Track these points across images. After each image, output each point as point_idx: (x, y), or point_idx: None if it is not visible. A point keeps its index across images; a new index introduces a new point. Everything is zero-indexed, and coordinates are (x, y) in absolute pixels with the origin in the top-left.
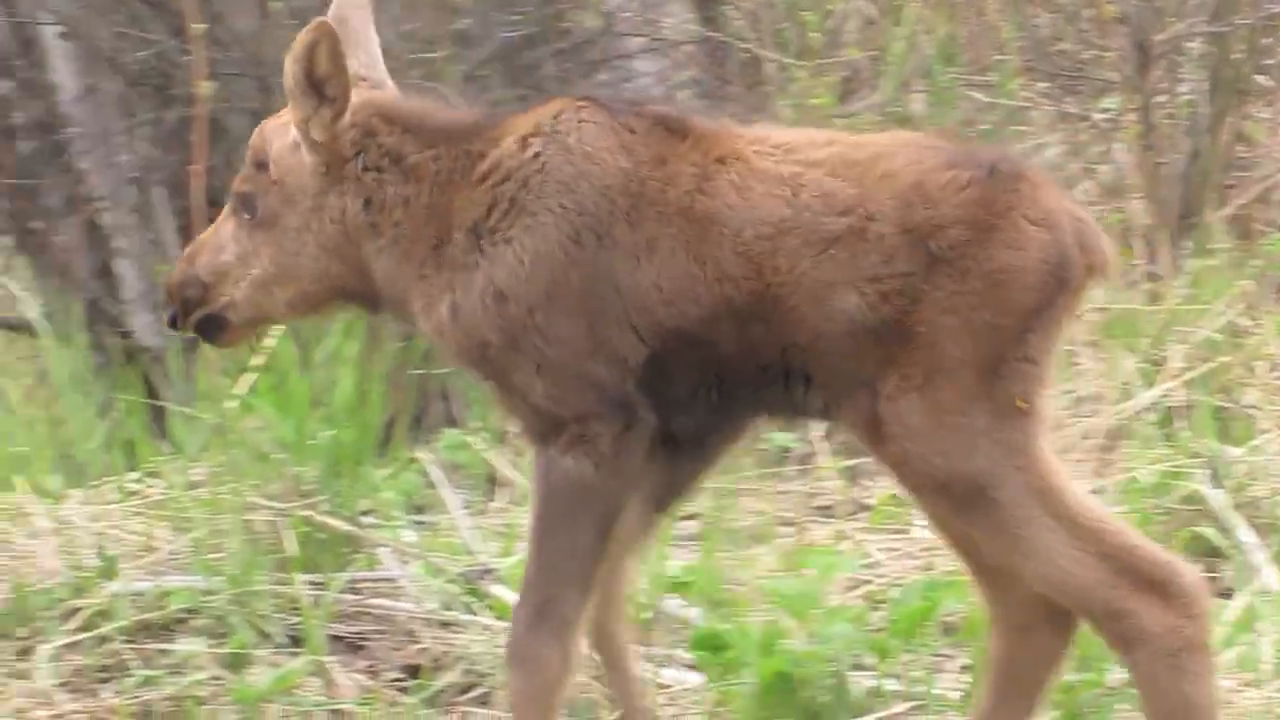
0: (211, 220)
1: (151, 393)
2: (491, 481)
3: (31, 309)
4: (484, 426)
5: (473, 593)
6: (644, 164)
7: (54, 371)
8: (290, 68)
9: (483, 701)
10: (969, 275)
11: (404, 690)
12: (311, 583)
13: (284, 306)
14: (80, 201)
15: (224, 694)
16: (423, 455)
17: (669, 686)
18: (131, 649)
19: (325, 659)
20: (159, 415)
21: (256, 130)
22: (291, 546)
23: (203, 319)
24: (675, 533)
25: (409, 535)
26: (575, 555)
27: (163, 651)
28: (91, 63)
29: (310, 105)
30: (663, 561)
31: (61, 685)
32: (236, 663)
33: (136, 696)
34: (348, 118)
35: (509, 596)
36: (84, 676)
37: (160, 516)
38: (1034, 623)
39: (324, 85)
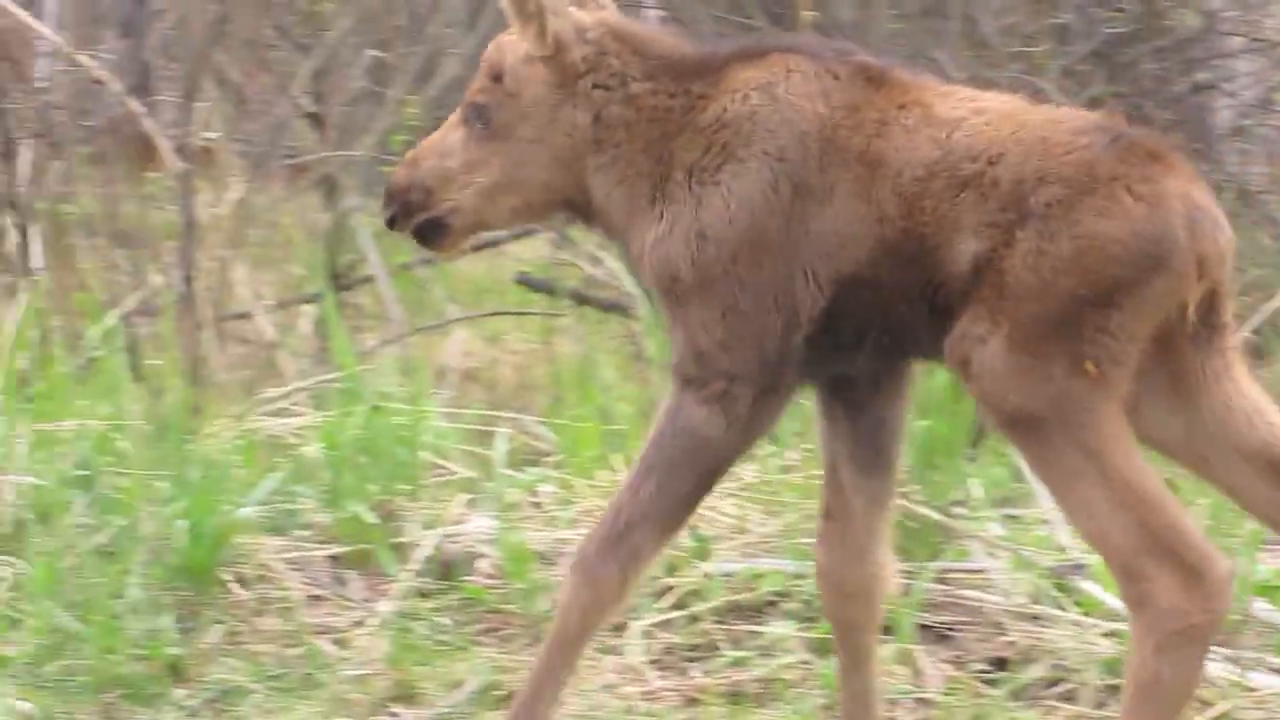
0: None
1: None
2: None
3: (628, 289)
4: None
5: (1061, 588)
6: (838, 110)
7: (649, 350)
8: None
9: (1069, 697)
10: (1057, 236)
11: (990, 682)
12: (902, 571)
13: (507, 213)
14: None
15: (812, 678)
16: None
17: (1256, 690)
18: (722, 629)
19: (913, 647)
20: None
21: (493, 44)
22: None
23: (424, 222)
24: (1263, 536)
25: (996, 528)
26: (669, 497)
27: (752, 633)
28: None
29: (521, 20)
30: (1251, 565)
31: (652, 663)
32: (824, 647)
33: (726, 677)
34: (579, 34)
35: (1099, 594)
36: (674, 655)
37: (753, 500)
38: None
39: (524, 2)
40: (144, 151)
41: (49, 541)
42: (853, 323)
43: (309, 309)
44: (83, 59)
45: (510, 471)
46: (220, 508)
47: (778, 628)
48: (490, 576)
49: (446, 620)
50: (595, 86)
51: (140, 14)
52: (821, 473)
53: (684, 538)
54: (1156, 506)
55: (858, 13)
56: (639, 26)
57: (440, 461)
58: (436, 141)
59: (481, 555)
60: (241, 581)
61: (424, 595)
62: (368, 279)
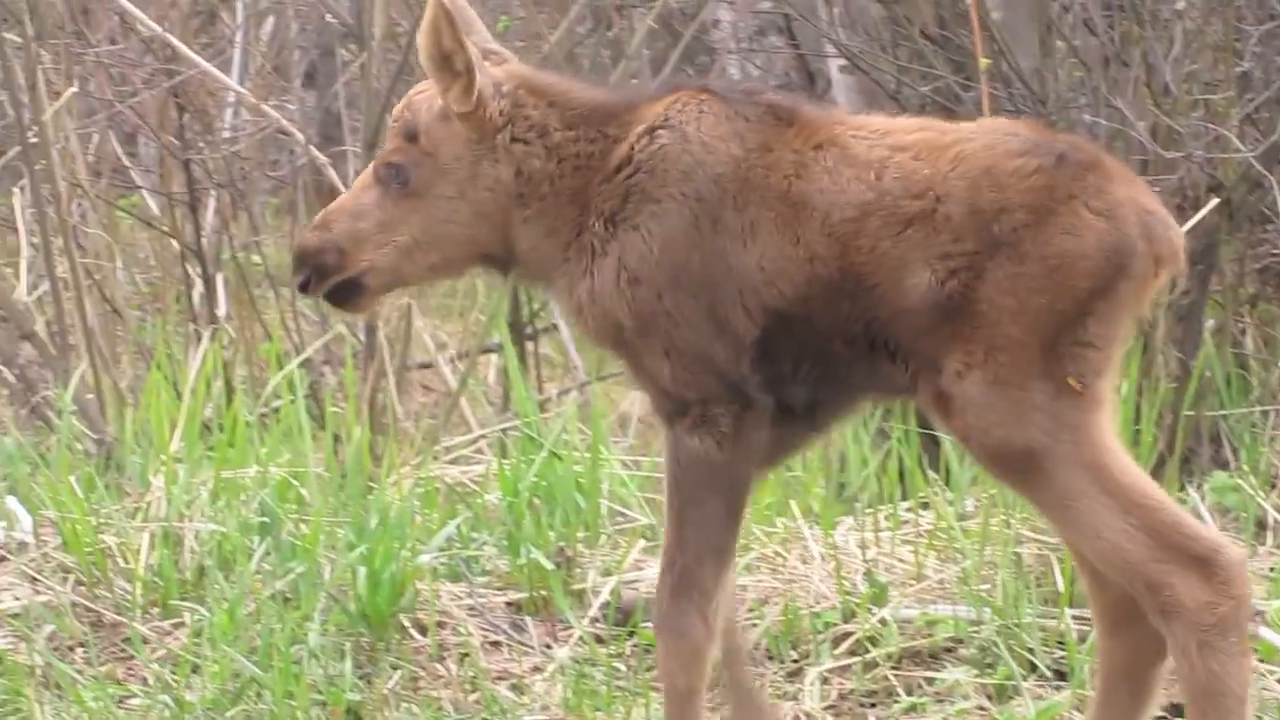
0: None
1: (925, 424)
2: (1261, 525)
3: None
4: (1255, 470)
5: None
6: (752, 151)
7: None
8: (421, 44)
9: None
10: (1027, 259)
11: None
12: (1077, 617)
13: (424, 271)
14: None
15: None
16: (1191, 495)
17: None
18: (898, 675)
19: (1089, 693)
20: (933, 446)
21: (402, 103)
22: (1060, 581)
23: (339, 284)
24: None
25: None
26: (707, 528)
27: (929, 679)
28: (873, 97)
29: (446, 78)
30: None
31: (828, 708)
32: (1001, 693)
33: None
34: (494, 88)
35: (1277, 640)
36: (850, 701)
37: (930, 546)
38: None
39: (452, 60)
40: (329, 202)
41: (230, 588)
42: (787, 356)
43: (493, 358)
44: (268, 110)
45: None
46: (400, 554)
47: (954, 674)
48: None
49: (623, 666)
50: (514, 140)
51: (325, 65)
52: None
53: (860, 583)
54: (1156, 507)
55: (1038, 61)
56: (551, 76)
57: (619, 508)
58: (348, 203)
59: None
60: (420, 628)
61: (601, 641)
62: (550, 328)
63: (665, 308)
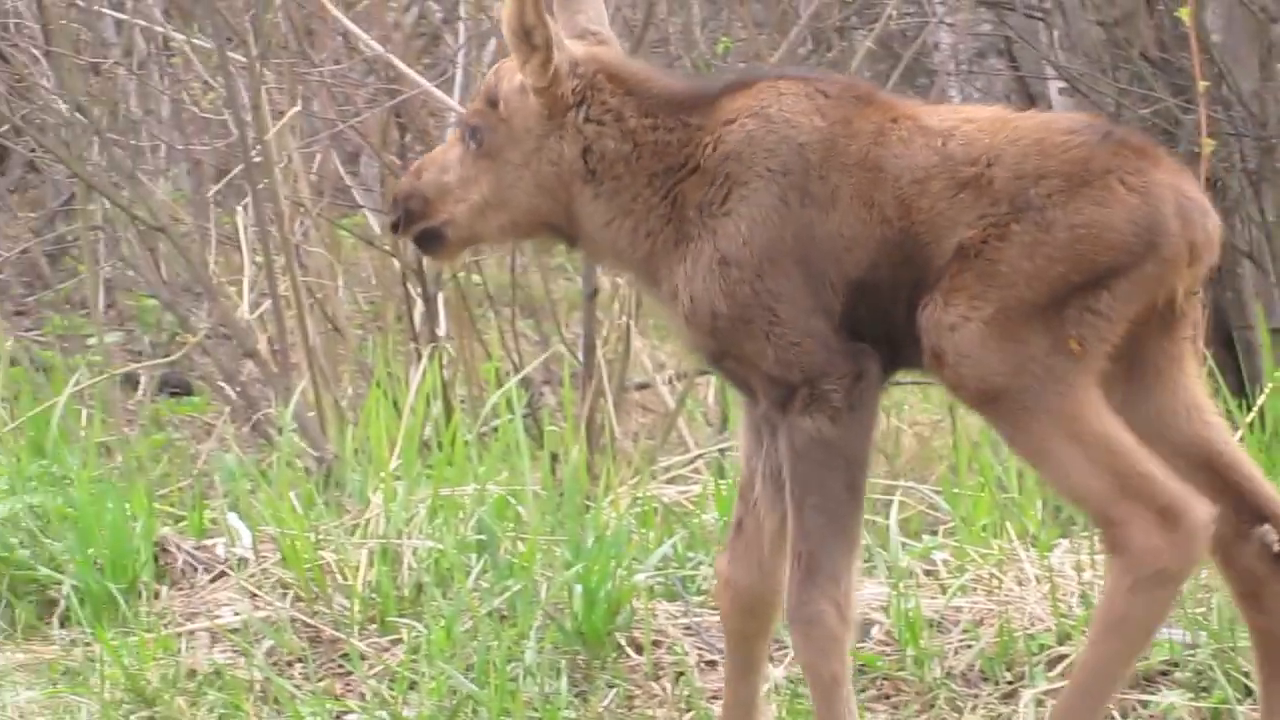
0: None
1: None
2: None
3: None
4: None
5: None
6: (835, 123)
7: None
8: (505, 16)
9: None
10: (1055, 226)
11: None
12: None
13: (496, 231)
14: None
15: None
16: None
17: None
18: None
19: None
20: None
21: (493, 69)
22: None
23: (423, 232)
24: None
25: None
26: (831, 511)
27: (1143, 702)
28: None
29: (525, 51)
30: None
31: None
32: (1216, 717)
33: None
34: (569, 68)
35: None
36: None
37: None
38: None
39: (532, 34)
40: None
41: (448, 605)
42: (864, 328)
43: (711, 378)
44: None
45: (904, 539)
46: (616, 573)
47: (1169, 697)
48: (883, 643)
49: None
50: (587, 120)
51: None
52: (739, 486)
53: (1076, 606)
54: (1130, 457)
55: (1258, 84)
56: (633, 64)
57: None
58: (438, 156)
59: (875, 622)
60: (636, 646)
61: None
62: None
63: (763, 288)
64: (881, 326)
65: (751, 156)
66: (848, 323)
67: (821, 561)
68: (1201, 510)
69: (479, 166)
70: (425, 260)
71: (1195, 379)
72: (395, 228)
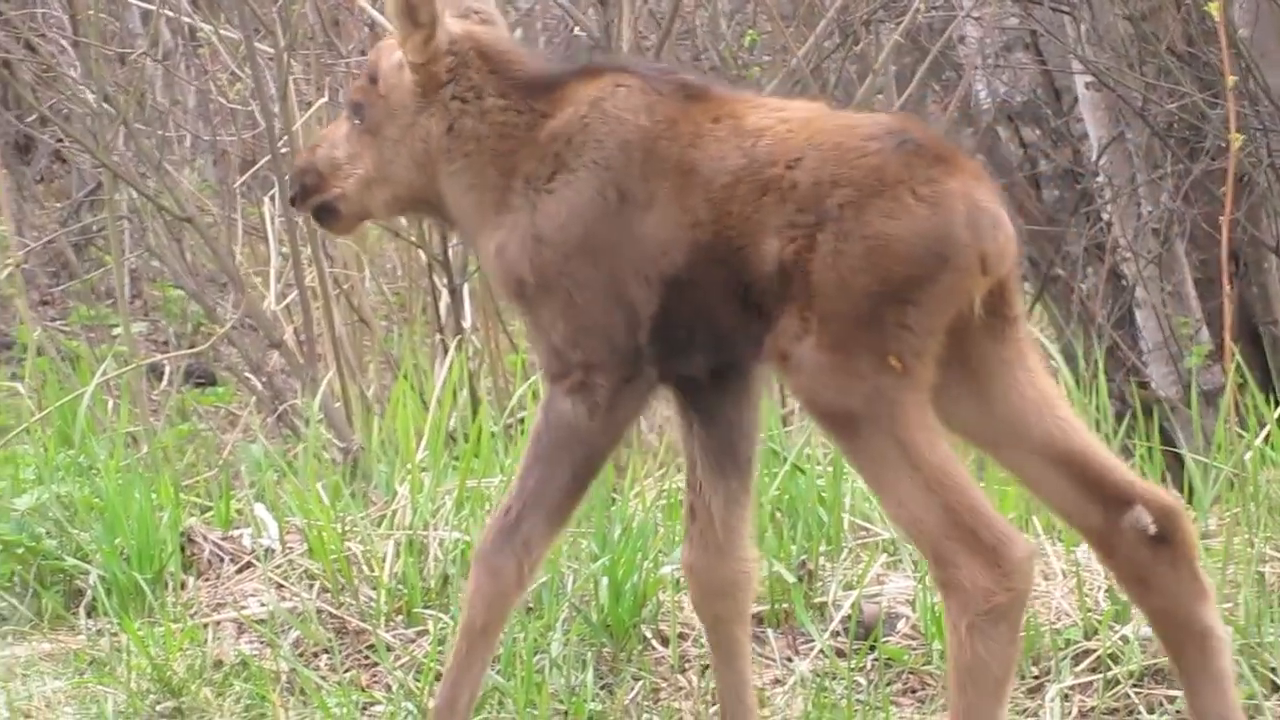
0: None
1: (1168, 441)
2: None
3: (1050, 354)
4: None
5: None
6: (659, 123)
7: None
8: None
9: None
10: (850, 236)
11: None
12: None
13: (382, 205)
14: (1103, 250)
15: None
16: None
17: None
18: (1138, 693)
19: None
20: (1175, 464)
21: (374, 47)
22: None
23: (318, 205)
24: None
25: None
26: (550, 488)
27: (1170, 698)
28: (1119, 113)
29: (407, 28)
30: None
31: None
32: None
33: None
34: (446, 45)
35: None
36: (1090, 718)
37: None
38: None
39: (417, 11)
40: None
41: None
42: (682, 323)
43: None
44: None
45: None
46: (642, 565)
47: None
48: (909, 637)
49: (864, 680)
50: (454, 98)
51: None
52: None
53: (1102, 600)
54: (960, 491)
55: None
56: (504, 44)
57: (861, 522)
58: (330, 132)
59: (900, 616)
60: (662, 639)
61: (842, 655)
62: None
63: (568, 270)
64: (707, 325)
65: (582, 144)
66: (665, 318)
67: (523, 524)
68: (1021, 546)
69: (363, 142)
70: (448, 249)
71: (1041, 375)
72: (294, 201)
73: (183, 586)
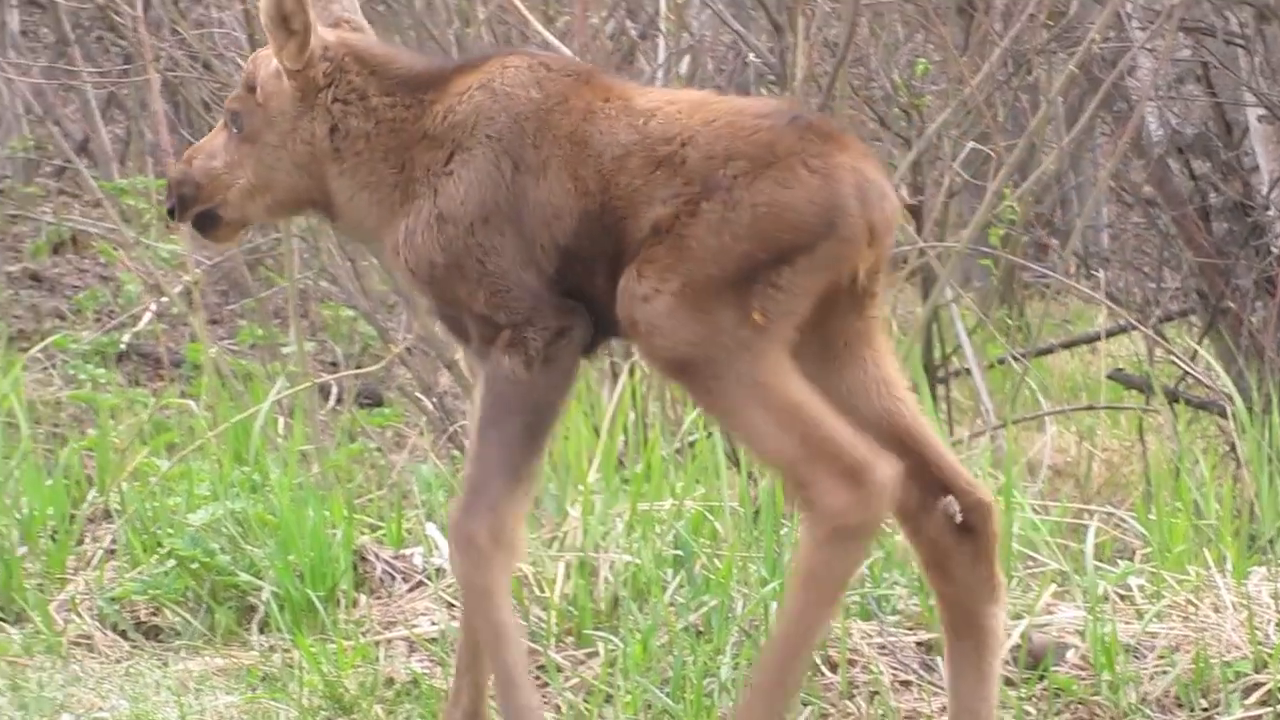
0: None
1: None
2: None
3: (1222, 387)
4: None
5: None
6: (551, 96)
7: (1244, 451)
8: (263, 3)
9: None
10: (739, 206)
11: None
12: None
13: (264, 211)
14: (1273, 284)
15: None
16: None
17: None
18: None
19: None
20: None
21: (250, 57)
22: None
23: (198, 216)
24: None
25: None
26: (504, 446)
27: None
28: None
29: (281, 37)
30: None
31: None
32: None
33: None
34: (322, 51)
35: None
36: None
37: None
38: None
39: (290, 20)
40: None
41: (644, 619)
42: (573, 291)
43: None
44: None
45: (1100, 565)
46: None
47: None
48: (1078, 667)
49: (1033, 710)
50: (335, 101)
51: None
52: None
53: (1273, 633)
54: (815, 422)
55: None
56: (379, 47)
57: (1029, 552)
58: (206, 143)
59: (1070, 646)
60: (831, 665)
61: (1011, 684)
62: (962, 371)
63: (475, 241)
64: (586, 293)
65: (475, 124)
66: (561, 286)
67: (483, 489)
68: (885, 467)
69: (242, 150)
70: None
71: (886, 355)
72: (171, 213)
73: (354, 604)
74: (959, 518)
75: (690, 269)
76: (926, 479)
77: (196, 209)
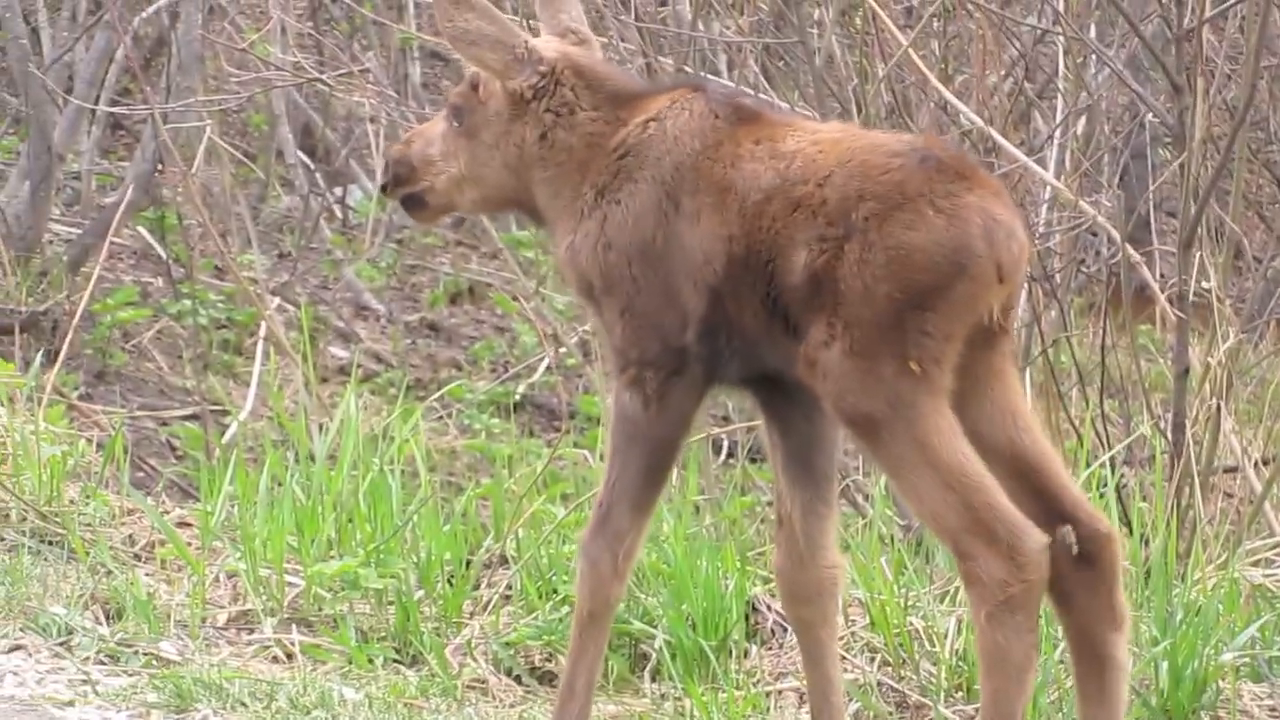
0: None
1: None
2: None
3: None
4: None
5: None
6: (709, 146)
7: None
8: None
9: None
10: (874, 247)
11: None
12: None
13: (469, 203)
14: None
15: None
16: None
17: None
18: None
19: None
20: None
21: None
22: None
23: (408, 195)
24: None
25: None
26: (628, 477)
27: None
28: None
29: (490, 62)
30: None
31: None
32: None
33: None
34: (540, 62)
35: None
36: None
37: None
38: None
39: (511, 47)
40: (1138, 303)
41: None
42: (721, 331)
43: None
44: (1084, 206)
45: None
46: (1203, 651)
47: None
48: None
49: None
50: (546, 110)
51: (1136, 168)
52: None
53: None
54: (976, 488)
55: None
56: (599, 64)
57: None
58: (427, 129)
59: None
60: None
61: None
62: None
63: (630, 274)
64: (738, 332)
65: (644, 159)
66: (709, 325)
67: (613, 516)
68: (1034, 539)
69: (459, 144)
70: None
71: (1015, 388)
72: (384, 189)
73: (745, 654)
74: (1075, 548)
75: (846, 313)
76: (1049, 509)
77: (407, 189)
